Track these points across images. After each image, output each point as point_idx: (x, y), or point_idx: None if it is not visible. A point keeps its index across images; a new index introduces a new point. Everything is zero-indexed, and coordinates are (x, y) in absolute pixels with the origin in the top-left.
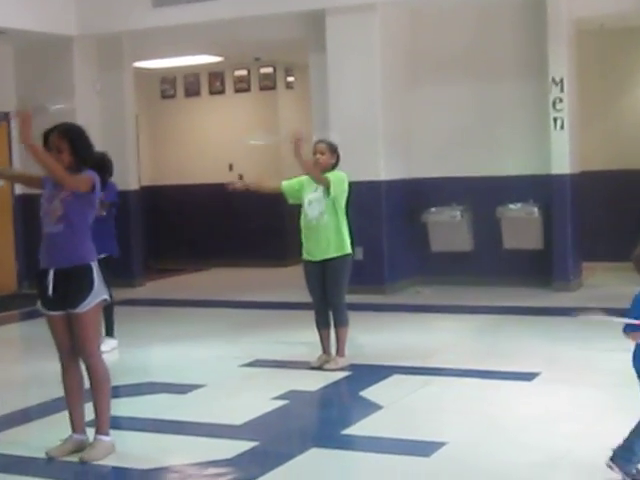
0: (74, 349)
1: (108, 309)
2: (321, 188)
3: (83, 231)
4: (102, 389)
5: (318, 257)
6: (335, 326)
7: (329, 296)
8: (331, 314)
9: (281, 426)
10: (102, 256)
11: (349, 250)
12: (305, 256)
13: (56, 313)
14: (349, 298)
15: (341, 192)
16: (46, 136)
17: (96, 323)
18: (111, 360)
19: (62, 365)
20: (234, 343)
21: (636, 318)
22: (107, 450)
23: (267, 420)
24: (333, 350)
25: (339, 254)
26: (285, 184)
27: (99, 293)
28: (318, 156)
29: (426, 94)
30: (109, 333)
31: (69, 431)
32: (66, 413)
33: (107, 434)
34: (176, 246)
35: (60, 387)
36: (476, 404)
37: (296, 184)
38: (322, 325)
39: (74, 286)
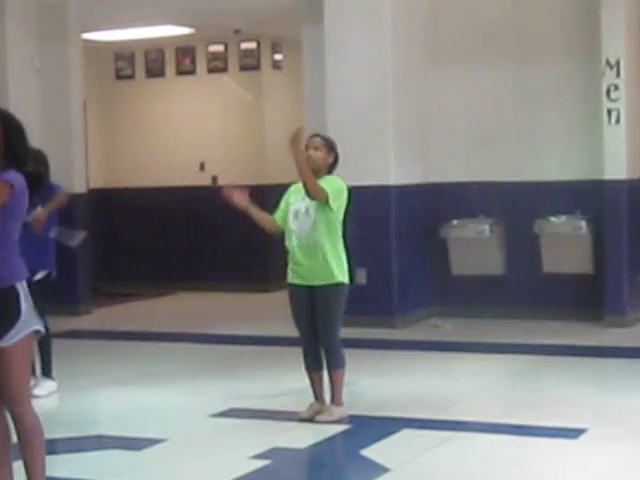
0: None
1: (44, 343)
2: None
3: (5, 247)
4: (33, 445)
5: (308, 280)
6: (329, 369)
7: (320, 333)
8: (323, 353)
9: None
10: (39, 276)
11: (345, 278)
12: (291, 278)
13: None
14: (349, 332)
15: (339, 206)
16: None
17: (25, 361)
18: (48, 407)
19: None
20: (203, 387)
21: None
22: None
23: None
24: (327, 397)
25: (333, 282)
26: (277, 217)
27: (28, 322)
28: (311, 152)
29: (448, 78)
30: (46, 373)
31: None
32: None
33: None
34: (132, 265)
35: None
36: (507, 468)
37: (284, 206)
38: (312, 367)
39: None
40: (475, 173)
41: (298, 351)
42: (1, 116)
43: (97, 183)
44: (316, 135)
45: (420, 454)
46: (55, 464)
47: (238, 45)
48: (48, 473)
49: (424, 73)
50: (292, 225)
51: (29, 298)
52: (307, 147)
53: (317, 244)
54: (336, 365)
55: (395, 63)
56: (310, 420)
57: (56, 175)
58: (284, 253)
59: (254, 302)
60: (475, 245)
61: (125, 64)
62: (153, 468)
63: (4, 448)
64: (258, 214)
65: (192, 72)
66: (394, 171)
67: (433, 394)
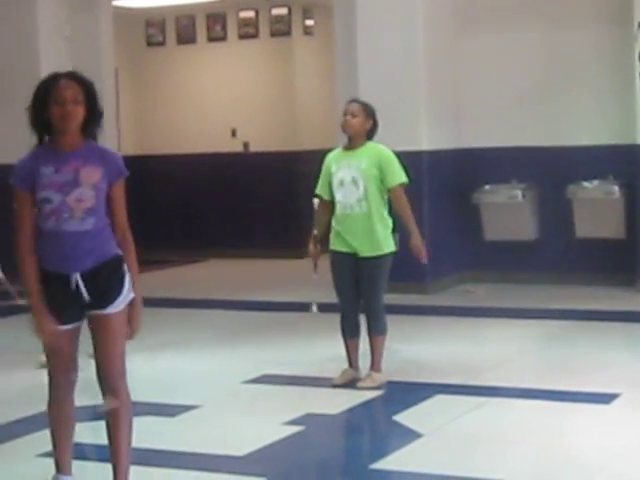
0: (74, 369)
1: None
2: (358, 162)
3: (106, 222)
4: (127, 420)
5: (353, 249)
6: (370, 334)
7: (366, 299)
8: (363, 320)
9: (294, 458)
10: None
11: (392, 247)
12: (335, 245)
13: (68, 327)
14: None
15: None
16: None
17: (125, 329)
18: (82, 375)
19: (56, 389)
20: (236, 354)
21: None
22: None
23: (277, 451)
24: (362, 364)
25: (380, 253)
26: (320, 192)
27: (130, 290)
28: (348, 117)
29: (480, 43)
30: None
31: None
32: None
33: None
34: (165, 232)
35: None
36: (540, 433)
37: (325, 179)
38: (350, 333)
39: (104, 283)
40: (507, 138)
41: (331, 317)
42: (84, 82)
43: (129, 150)
44: (354, 101)
45: (453, 419)
46: (89, 431)
47: (269, 11)
48: (82, 439)
49: (456, 38)
50: (337, 194)
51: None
52: (345, 113)
53: (364, 215)
54: (378, 331)
55: (427, 28)
56: (343, 386)
57: None
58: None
59: (288, 268)
60: (508, 210)
61: (156, 31)
62: (187, 434)
63: (73, 425)
64: (322, 225)
65: (223, 38)
66: (426, 136)
67: (466, 360)
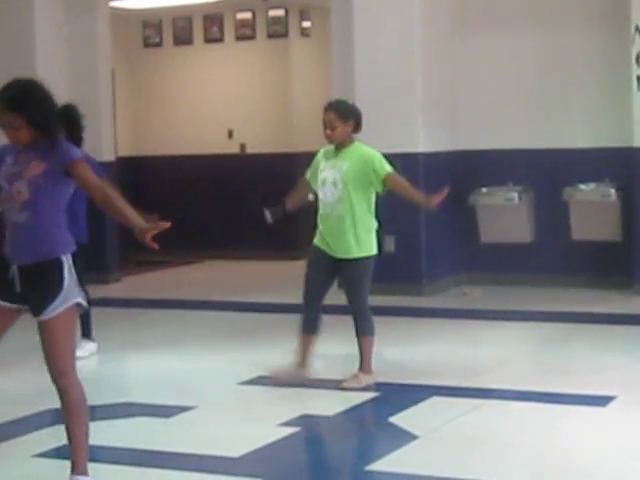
0: None
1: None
2: (342, 164)
3: (54, 218)
4: (79, 415)
5: (332, 250)
6: (358, 335)
7: (349, 301)
8: (353, 320)
9: (290, 460)
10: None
11: (372, 250)
12: (317, 241)
13: (6, 304)
14: (378, 300)
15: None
16: None
17: (68, 333)
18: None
19: None
20: (232, 355)
21: None
22: None
23: (272, 452)
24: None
25: (358, 255)
26: (308, 175)
27: (70, 295)
28: (329, 132)
29: (477, 46)
30: (86, 335)
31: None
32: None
33: (85, 473)
34: (161, 233)
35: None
36: (536, 435)
37: (314, 171)
38: (305, 328)
39: (37, 286)
40: (504, 140)
41: (325, 319)
42: (14, 107)
43: (125, 151)
44: (328, 108)
45: (449, 421)
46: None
47: (266, 12)
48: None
49: (452, 41)
50: (319, 193)
51: (73, 271)
52: (324, 126)
53: (341, 216)
54: (365, 332)
55: (423, 30)
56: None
57: (85, 144)
58: (314, 220)
59: (283, 270)
60: (504, 213)
61: (153, 32)
62: (182, 435)
63: None
64: (296, 197)
65: (220, 40)
66: (423, 139)
67: (462, 362)
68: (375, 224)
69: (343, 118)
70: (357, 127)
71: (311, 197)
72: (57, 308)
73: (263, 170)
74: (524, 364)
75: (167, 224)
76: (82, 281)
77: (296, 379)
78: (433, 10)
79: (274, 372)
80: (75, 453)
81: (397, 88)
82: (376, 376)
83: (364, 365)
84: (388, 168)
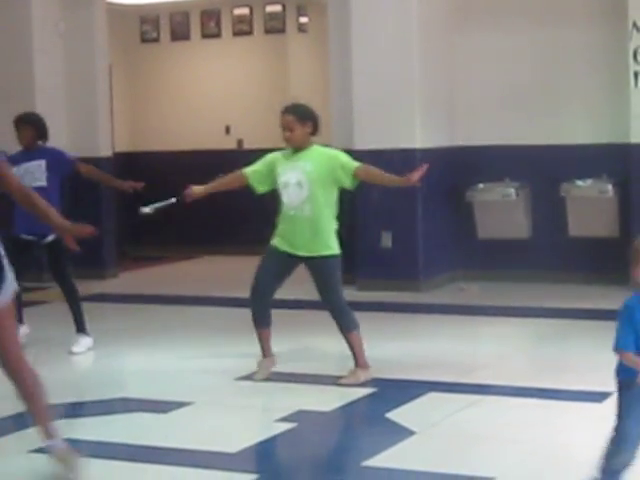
0: None
1: (75, 301)
2: (303, 165)
3: None
4: (40, 392)
5: (295, 249)
6: (342, 333)
7: (324, 299)
8: (332, 318)
9: (286, 455)
10: (50, 238)
11: (336, 249)
12: (276, 243)
13: None
14: (375, 295)
15: None
16: None
17: (14, 320)
18: (74, 370)
19: None
20: (229, 351)
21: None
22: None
23: (269, 447)
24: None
25: (327, 253)
26: (250, 171)
27: (12, 280)
28: (287, 134)
29: (474, 42)
30: (81, 330)
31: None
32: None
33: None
34: (158, 228)
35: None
36: (533, 430)
37: (264, 168)
38: (263, 323)
39: None
40: (501, 136)
41: (324, 315)
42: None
43: (123, 147)
44: (286, 112)
45: (446, 417)
46: (81, 426)
47: (263, 8)
48: (74, 435)
49: (450, 36)
50: (282, 196)
51: (3, 255)
52: (282, 128)
53: (308, 217)
54: (348, 328)
55: (421, 26)
56: (265, 380)
57: (82, 139)
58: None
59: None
60: (501, 209)
61: (150, 27)
62: (179, 431)
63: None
64: (219, 185)
65: (217, 35)
66: (420, 134)
67: (459, 358)
68: (336, 223)
69: (301, 120)
70: (315, 130)
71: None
72: (6, 294)
73: None
74: (521, 360)
75: (91, 229)
76: (68, 270)
77: (269, 370)
78: (431, 5)
79: (255, 375)
80: (43, 421)
81: (395, 84)
82: (372, 371)
83: (359, 360)
84: (355, 162)
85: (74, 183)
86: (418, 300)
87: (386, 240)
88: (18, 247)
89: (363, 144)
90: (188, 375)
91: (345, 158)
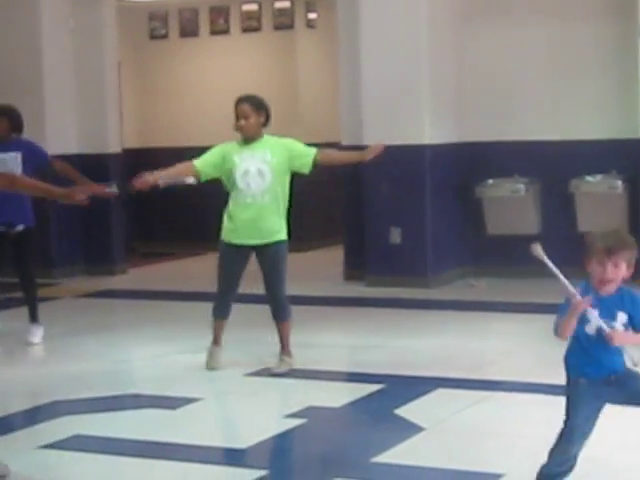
0: None
1: (32, 290)
2: (262, 154)
3: None
4: None
5: (251, 238)
6: (278, 321)
7: (272, 288)
8: (272, 307)
9: (296, 451)
10: (20, 228)
11: (286, 234)
12: (231, 238)
13: None
14: (383, 291)
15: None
16: None
17: None
18: (83, 367)
19: None
20: (237, 347)
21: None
22: None
23: (278, 444)
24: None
25: (280, 239)
26: (199, 163)
27: None
28: (242, 122)
29: (483, 37)
30: (36, 320)
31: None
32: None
33: None
34: (167, 225)
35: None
36: (542, 427)
37: (216, 158)
38: (223, 315)
39: None
40: (510, 132)
41: (331, 310)
42: None
43: (131, 143)
44: (242, 100)
45: (455, 413)
46: (91, 423)
47: (272, 4)
48: (83, 431)
49: (458, 32)
50: (240, 184)
51: None
52: (237, 117)
53: (266, 205)
54: (285, 317)
55: (429, 22)
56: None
57: (91, 135)
58: (319, 214)
59: (288, 262)
60: (510, 204)
61: (159, 24)
62: (188, 427)
63: None
64: (172, 173)
65: (226, 32)
66: (429, 130)
67: (467, 354)
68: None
69: (257, 110)
70: (267, 120)
71: (192, 181)
72: None
73: None
74: (530, 356)
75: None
76: (26, 260)
77: (219, 358)
78: (440, 2)
79: (209, 365)
80: None
81: (403, 79)
82: (382, 367)
83: (286, 348)
84: (312, 149)
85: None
86: (427, 296)
87: (395, 236)
88: None
89: (372, 140)
90: (197, 371)
91: (301, 146)
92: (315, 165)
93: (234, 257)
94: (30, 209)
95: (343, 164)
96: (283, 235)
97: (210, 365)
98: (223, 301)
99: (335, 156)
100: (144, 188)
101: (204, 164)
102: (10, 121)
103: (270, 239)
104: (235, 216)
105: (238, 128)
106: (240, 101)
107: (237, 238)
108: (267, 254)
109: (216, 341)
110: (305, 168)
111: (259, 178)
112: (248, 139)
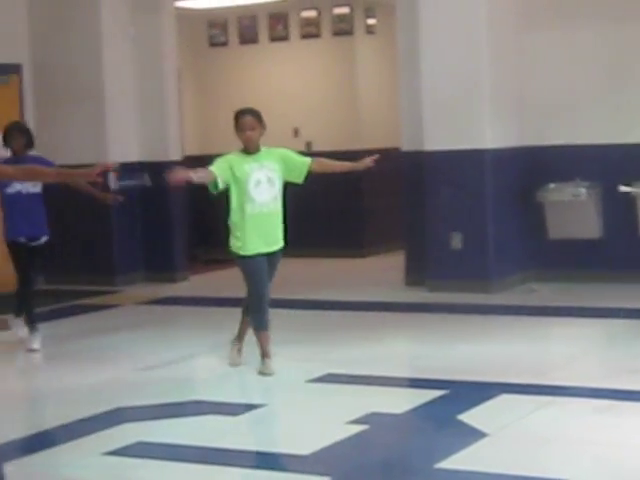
0: None
1: (28, 296)
2: (268, 164)
3: None
4: None
5: (270, 246)
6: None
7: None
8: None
9: (359, 457)
10: (44, 239)
11: None
12: (254, 249)
13: None
14: (445, 297)
15: None
16: None
17: None
18: (148, 374)
19: None
20: (300, 353)
21: None
22: None
23: (341, 450)
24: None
25: (282, 245)
26: (217, 169)
27: None
28: (249, 133)
29: (544, 40)
30: (33, 326)
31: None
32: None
33: None
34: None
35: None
36: (606, 432)
37: (227, 166)
38: (267, 326)
39: None
40: (572, 136)
41: (392, 316)
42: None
43: (192, 150)
44: (245, 113)
45: (518, 419)
46: (154, 429)
47: (331, 10)
48: (146, 438)
49: (519, 35)
50: (253, 194)
51: None
52: (244, 128)
53: (277, 211)
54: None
55: (490, 25)
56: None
57: (152, 143)
58: (380, 219)
59: (349, 268)
60: (572, 208)
61: (218, 31)
62: (251, 433)
63: None
64: (202, 174)
65: (285, 38)
66: (490, 135)
67: (530, 359)
68: None
69: (259, 122)
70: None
71: (223, 186)
72: None
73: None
74: (593, 361)
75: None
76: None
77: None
78: (500, 4)
79: (232, 361)
80: None
81: (464, 84)
82: (442, 373)
83: (269, 352)
84: (306, 158)
85: (145, 190)
86: (489, 301)
87: (456, 241)
88: (19, 252)
89: (432, 145)
90: (260, 377)
91: (296, 156)
92: (308, 175)
93: (261, 265)
94: (46, 222)
95: (336, 173)
96: (282, 242)
97: (231, 362)
98: (264, 312)
99: (329, 165)
100: (179, 183)
101: (220, 170)
102: (26, 138)
103: (277, 246)
104: (250, 227)
105: (246, 139)
106: (243, 114)
107: (255, 249)
108: (275, 260)
109: (238, 338)
110: (300, 179)
111: (270, 187)
112: (252, 150)
